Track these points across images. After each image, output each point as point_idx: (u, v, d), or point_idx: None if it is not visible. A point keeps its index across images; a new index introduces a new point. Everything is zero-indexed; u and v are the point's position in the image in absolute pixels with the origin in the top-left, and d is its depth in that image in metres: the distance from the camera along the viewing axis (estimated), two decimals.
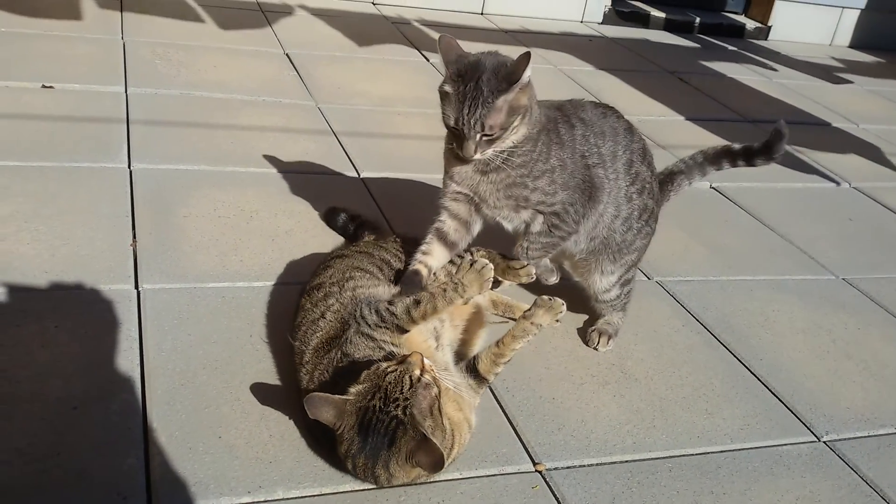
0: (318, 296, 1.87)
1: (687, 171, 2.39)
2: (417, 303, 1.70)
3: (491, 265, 1.78)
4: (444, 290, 1.72)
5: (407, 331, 1.70)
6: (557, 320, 1.82)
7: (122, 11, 4.28)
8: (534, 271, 1.99)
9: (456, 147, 1.84)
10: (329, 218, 2.53)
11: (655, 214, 2.19)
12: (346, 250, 2.12)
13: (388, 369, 1.55)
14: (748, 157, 2.38)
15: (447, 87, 1.81)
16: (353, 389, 1.56)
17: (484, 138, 1.79)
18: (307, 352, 1.75)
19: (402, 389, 1.52)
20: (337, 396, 1.54)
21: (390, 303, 1.73)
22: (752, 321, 2.45)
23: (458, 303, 1.75)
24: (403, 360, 1.57)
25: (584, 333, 2.22)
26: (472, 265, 1.77)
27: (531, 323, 1.77)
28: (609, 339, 2.19)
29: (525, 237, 2.01)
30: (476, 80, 1.76)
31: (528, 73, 1.77)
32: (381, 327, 1.70)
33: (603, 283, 2.14)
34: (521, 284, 2.13)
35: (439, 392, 1.56)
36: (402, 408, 1.50)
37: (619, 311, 2.23)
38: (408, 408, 1.50)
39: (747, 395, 2.12)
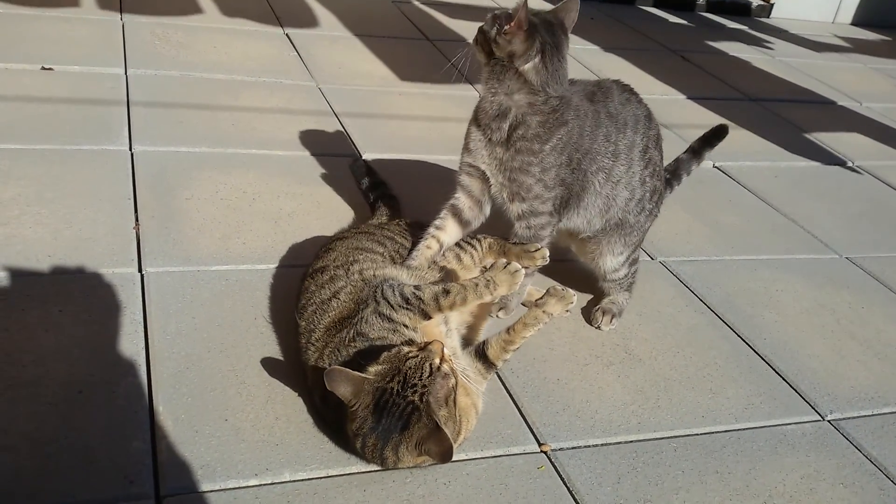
0: (324, 278, 1.87)
1: (686, 162, 2.44)
2: (447, 292, 1.72)
3: (522, 270, 1.80)
4: (476, 285, 1.75)
5: (430, 317, 1.72)
6: (568, 310, 1.83)
7: None
8: (548, 253, 1.99)
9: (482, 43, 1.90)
10: (355, 170, 2.56)
11: (662, 196, 2.21)
12: (347, 232, 2.12)
13: (410, 354, 1.55)
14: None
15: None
16: (372, 369, 1.56)
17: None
18: (317, 331, 1.75)
19: (421, 376, 1.52)
20: (357, 373, 1.54)
21: (417, 287, 1.74)
22: (756, 301, 2.45)
23: (486, 299, 1.77)
24: (425, 347, 1.57)
25: (587, 313, 2.23)
26: (505, 266, 1.79)
27: (543, 311, 1.79)
28: (612, 318, 2.19)
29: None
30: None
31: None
32: (403, 309, 1.70)
33: (613, 262, 2.15)
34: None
35: (456, 383, 1.57)
36: (419, 394, 1.51)
37: (624, 290, 2.23)
38: (425, 395, 1.51)
39: (751, 375, 2.12)
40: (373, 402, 1.53)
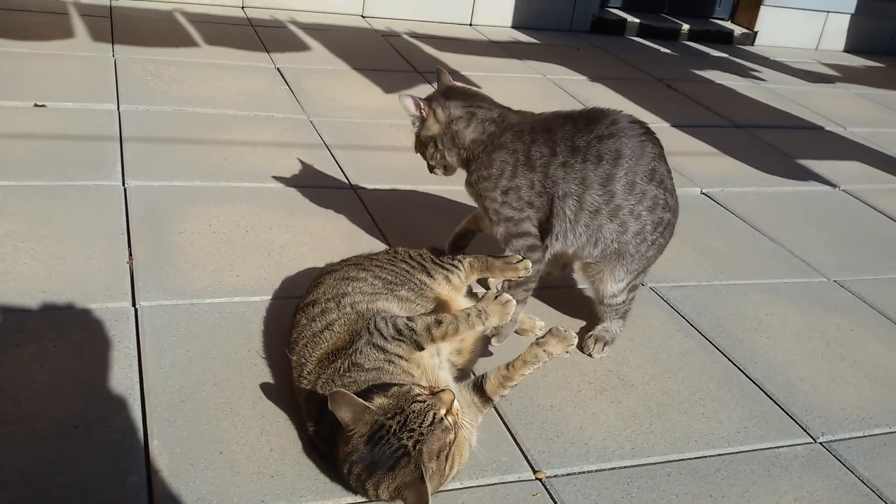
0: (315, 311, 1.88)
1: None
2: (439, 323, 1.73)
3: (514, 300, 1.82)
4: (468, 316, 1.76)
5: (423, 348, 1.73)
6: (567, 351, 1.84)
7: (112, 30, 4.30)
8: (530, 264, 2.05)
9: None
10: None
11: (672, 225, 2.20)
12: (336, 265, 2.12)
13: (418, 397, 1.55)
14: None
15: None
16: (377, 401, 1.56)
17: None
18: (309, 363, 1.76)
19: (422, 423, 1.52)
20: (360, 400, 1.55)
21: (410, 319, 1.75)
22: (746, 325, 2.47)
23: (478, 329, 1.78)
24: (435, 394, 1.57)
25: (580, 340, 2.24)
26: (496, 297, 1.80)
27: (543, 350, 1.80)
28: (605, 346, 2.21)
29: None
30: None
31: (408, 106, 2.19)
32: (396, 340, 1.71)
33: (613, 287, 2.18)
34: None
35: (454, 440, 1.57)
36: (414, 440, 1.51)
37: (619, 317, 2.25)
38: (420, 444, 1.51)
39: (743, 399, 2.13)
40: (369, 433, 1.53)
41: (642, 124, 2.13)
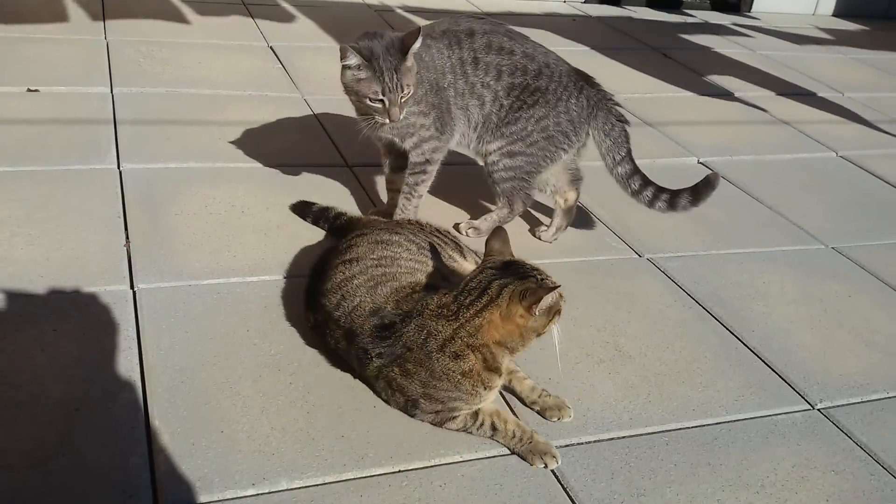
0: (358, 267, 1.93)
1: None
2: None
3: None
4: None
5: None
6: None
7: (103, 10, 4.27)
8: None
9: (380, 118, 2.25)
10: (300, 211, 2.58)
11: (532, 88, 2.39)
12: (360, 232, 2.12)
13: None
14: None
15: (361, 73, 2.20)
16: None
17: (402, 99, 2.20)
18: (366, 302, 1.83)
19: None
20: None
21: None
22: (744, 293, 2.48)
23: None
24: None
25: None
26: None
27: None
28: (471, 229, 2.57)
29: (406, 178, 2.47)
30: (386, 58, 2.17)
31: (419, 42, 2.20)
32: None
33: (484, 150, 2.45)
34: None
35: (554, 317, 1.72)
36: (542, 278, 1.71)
37: (503, 199, 2.49)
38: (546, 280, 1.70)
39: (741, 367, 2.15)
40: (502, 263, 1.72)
41: (479, 17, 2.47)
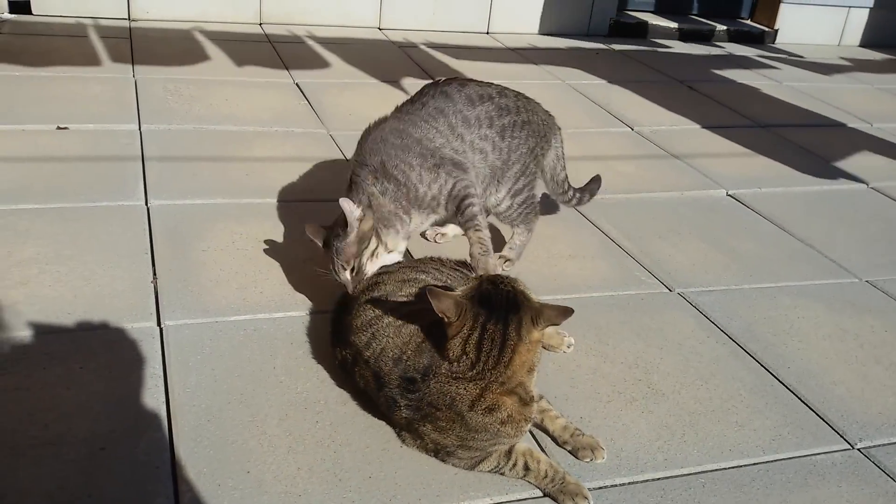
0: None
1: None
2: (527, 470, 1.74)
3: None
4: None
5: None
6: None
7: (132, 49, 4.34)
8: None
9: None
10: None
11: (520, 123, 2.42)
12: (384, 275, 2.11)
13: None
14: None
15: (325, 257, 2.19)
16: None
17: (353, 272, 2.12)
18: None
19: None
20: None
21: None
22: (778, 329, 2.43)
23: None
24: None
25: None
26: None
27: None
28: (506, 262, 2.52)
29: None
30: (333, 241, 2.15)
31: (354, 214, 2.13)
32: None
33: (492, 200, 2.45)
34: None
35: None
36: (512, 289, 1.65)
37: (519, 227, 2.52)
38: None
39: (777, 405, 2.09)
40: (477, 296, 1.63)
41: (449, 79, 2.47)
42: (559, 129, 2.63)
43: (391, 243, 2.21)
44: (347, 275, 2.13)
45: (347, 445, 1.78)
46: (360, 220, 2.16)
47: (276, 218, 2.73)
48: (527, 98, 2.54)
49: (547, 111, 2.61)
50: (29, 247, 2.39)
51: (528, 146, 2.45)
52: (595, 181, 2.81)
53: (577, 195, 2.75)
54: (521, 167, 2.44)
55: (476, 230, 2.31)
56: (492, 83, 2.48)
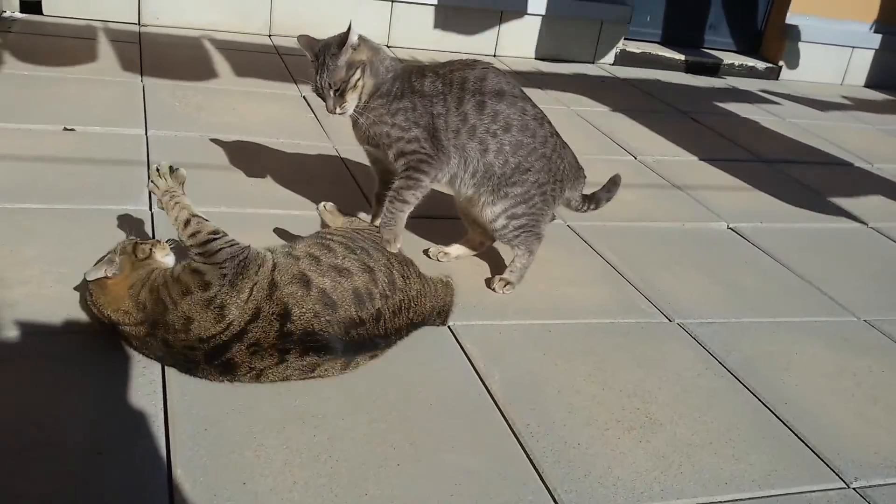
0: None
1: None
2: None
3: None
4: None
5: None
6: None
7: (140, 54, 4.35)
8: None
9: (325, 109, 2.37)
10: None
11: (539, 154, 2.43)
12: None
13: None
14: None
15: (310, 67, 2.37)
16: None
17: (336, 93, 2.32)
18: None
19: None
20: None
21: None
22: (776, 364, 2.43)
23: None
24: None
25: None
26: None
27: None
28: (506, 285, 2.54)
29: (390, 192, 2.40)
30: (323, 54, 2.32)
31: (354, 37, 2.30)
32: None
33: (487, 213, 2.47)
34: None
35: None
36: None
37: (519, 249, 2.52)
38: None
39: (774, 441, 2.09)
40: None
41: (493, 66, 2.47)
42: (583, 183, 2.64)
43: (366, 91, 2.35)
44: (331, 92, 2.32)
45: (344, 461, 1.77)
46: (357, 47, 2.31)
47: (280, 229, 2.73)
48: (564, 143, 2.54)
49: (579, 164, 2.61)
50: (31, 246, 2.38)
51: (537, 179, 2.44)
52: (612, 183, 2.76)
53: (588, 205, 2.74)
54: (524, 194, 2.43)
55: (392, 201, 2.38)
56: (539, 108, 2.48)
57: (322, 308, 1.92)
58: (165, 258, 2.07)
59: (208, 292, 1.88)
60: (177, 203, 2.10)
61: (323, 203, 2.44)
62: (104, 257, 1.98)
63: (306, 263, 1.99)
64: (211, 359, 1.87)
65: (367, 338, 1.99)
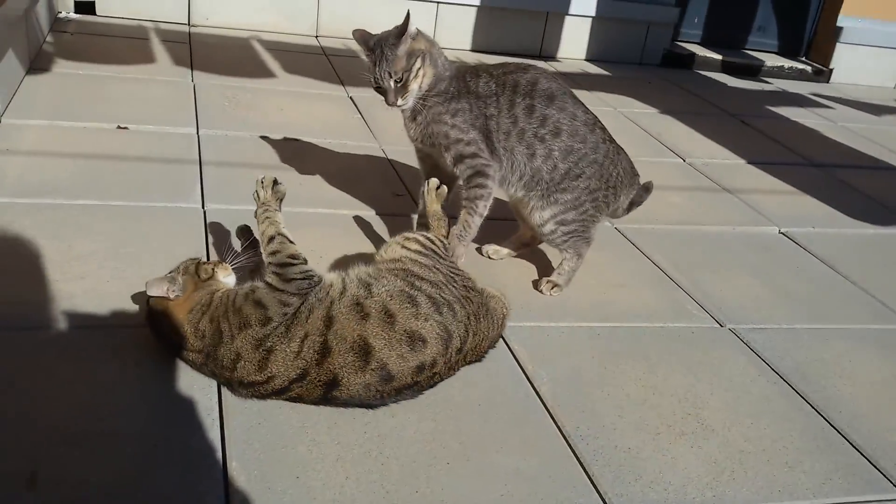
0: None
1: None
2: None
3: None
4: None
5: None
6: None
7: (191, 54, 4.42)
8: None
9: (385, 103, 2.37)
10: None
11: (590, 160, 2.42)
12: None
13: None
14: None
15: (366, 60, 2.36)
16: None
17: (397, 84, 2.30)
18: None
19: None
20: None
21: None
22: (829, 371, 2.39)
23: None
24: None
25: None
26: None
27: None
28: (554, 287, 2.52)
29: (463, 201, 2.44)
30: (380, 46, 2.31)
31: (413, 27, 2.30)
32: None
33: (535, 217, 2.47)
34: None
35: None
36: None
37: (568, 252, 2.51)
38: None
39: (828, 449, 2.05)
40: None
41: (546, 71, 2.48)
42: (637, 190, 2.61)
43: (426, 81, 2.35)
44: (392, 83, 2.29)
45: (394, 458, 1.78)
46: (415, 36, 2.31)
47: (328, 228, 2.75)
48: (618, 148, 2.51)
49: (634, 170, 2.58)
50: (88, 242, 2.43)
51: (588, 185, 2.43)
52: (644, 189, 2.68)
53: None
54: (574, 200, 2.42)
55: (471, 213, 2.42)
56: (592, 114, 2.48)
57: (377, 381, 1.82)
58: (227, 279, 2.03)
59: (265, 328, 1.83)
60: (267, 218, 2.10)
61: (427, 182, 2.39)
62: (167, 275, 1.97)
63: (375, 324, 1.84)
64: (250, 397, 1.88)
65: (415, 392, 1.92)
